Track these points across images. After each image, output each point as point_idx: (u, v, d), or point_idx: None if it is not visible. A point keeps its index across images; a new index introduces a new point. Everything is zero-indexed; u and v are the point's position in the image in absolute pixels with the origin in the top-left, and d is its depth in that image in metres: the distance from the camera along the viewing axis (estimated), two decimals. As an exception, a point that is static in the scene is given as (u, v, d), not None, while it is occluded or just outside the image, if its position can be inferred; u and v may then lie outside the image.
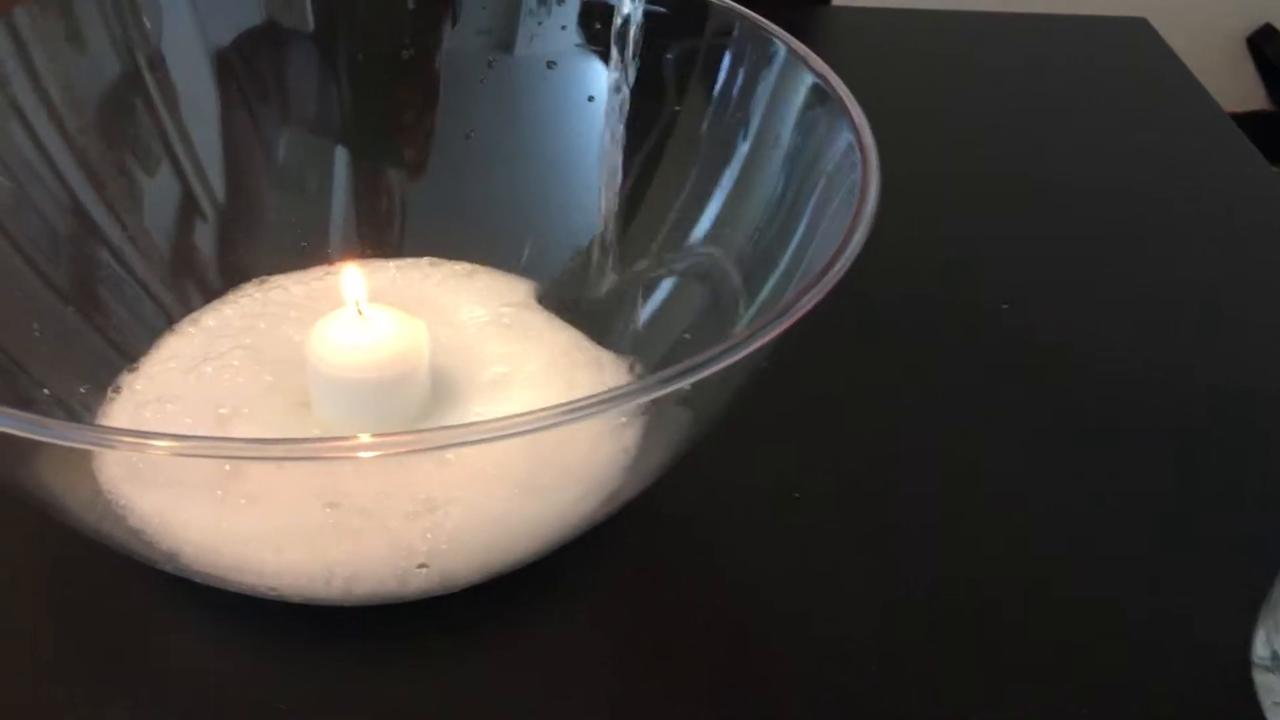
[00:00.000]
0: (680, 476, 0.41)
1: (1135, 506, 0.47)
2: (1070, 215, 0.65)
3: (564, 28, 0.51)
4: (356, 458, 0.33)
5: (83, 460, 0.39)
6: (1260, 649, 0.40)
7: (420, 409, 0.45)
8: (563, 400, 0.30)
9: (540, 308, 0.50)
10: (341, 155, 0.53)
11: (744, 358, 0.33)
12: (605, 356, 0.48)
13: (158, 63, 0.48)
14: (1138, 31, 0.85)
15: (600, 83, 0.52)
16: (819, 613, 0.42)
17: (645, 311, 0.49)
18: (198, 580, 0.38)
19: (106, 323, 0.46)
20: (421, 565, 0.38)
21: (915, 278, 0.59)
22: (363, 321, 0.43)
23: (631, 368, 0.47)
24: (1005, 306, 0.57)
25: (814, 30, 0.84)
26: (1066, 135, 0.73)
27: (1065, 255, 0.62)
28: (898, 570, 0.44)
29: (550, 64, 0.52)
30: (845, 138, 0.40)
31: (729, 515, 0.46)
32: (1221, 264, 0.62)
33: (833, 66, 0.43)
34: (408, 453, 0.33)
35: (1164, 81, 0.80)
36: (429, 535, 0.39)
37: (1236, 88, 1.89)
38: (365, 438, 0.30)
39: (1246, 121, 0.80)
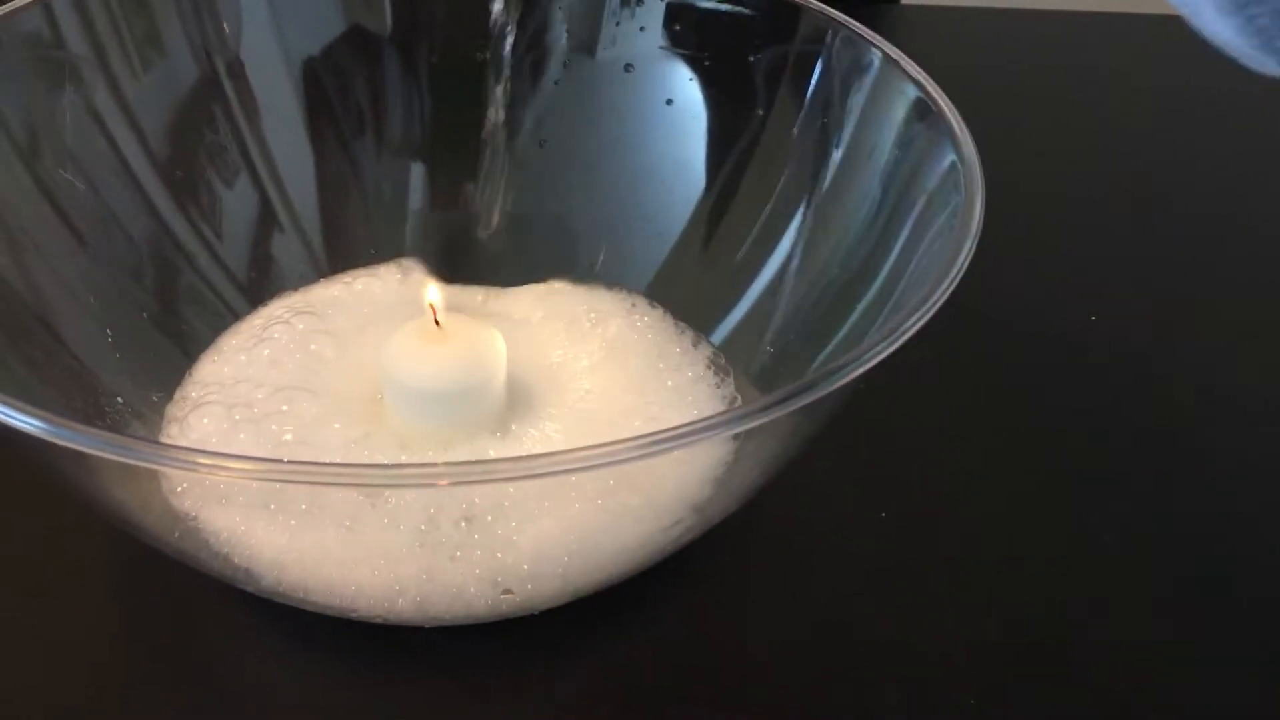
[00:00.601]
0: (767, 499, 0.40)
1: (1241, 535, 0.45)
2: (1168, 224, 0.63)
3: (643, 29, 0.50)
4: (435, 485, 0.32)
5: (154, 475, 0.38)
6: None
7: (497, 418, 0.44)
8: (645, 421, 0.29)
9: (623, 317, 0.49)
10: (419, 162, 0.52)
11: (840, 387, 0.31)
12: (689, 370, 0.47)
13: (237, 69, 0.47)
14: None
15: (680, 85, 0.50)
16: (910, 641, 0.41)
17: (729, 322, 0.47)
18: (272, 598, 0.37)
19: (180, 331, 0.46)
20: (506, 591, 0.37)
21: (1008, 294, 0.57)
22: (440, 331, 0.43)
23: (720, 379, 0.46)
24: (1093, 318, 0.55)
25: (883, 30, 0.82)
26: (1153, 140, 0.70)
27: (1156, 259, 0.59)
28: (989, 598, 0.42)
29: (628, 67, 0.51)
30: (949, 155, 0.38)
31: (817, 537, 0.44)
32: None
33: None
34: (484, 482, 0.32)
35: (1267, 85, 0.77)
36: (509, 557, 0.38)
37: None
38: (440, 467, 0.29)
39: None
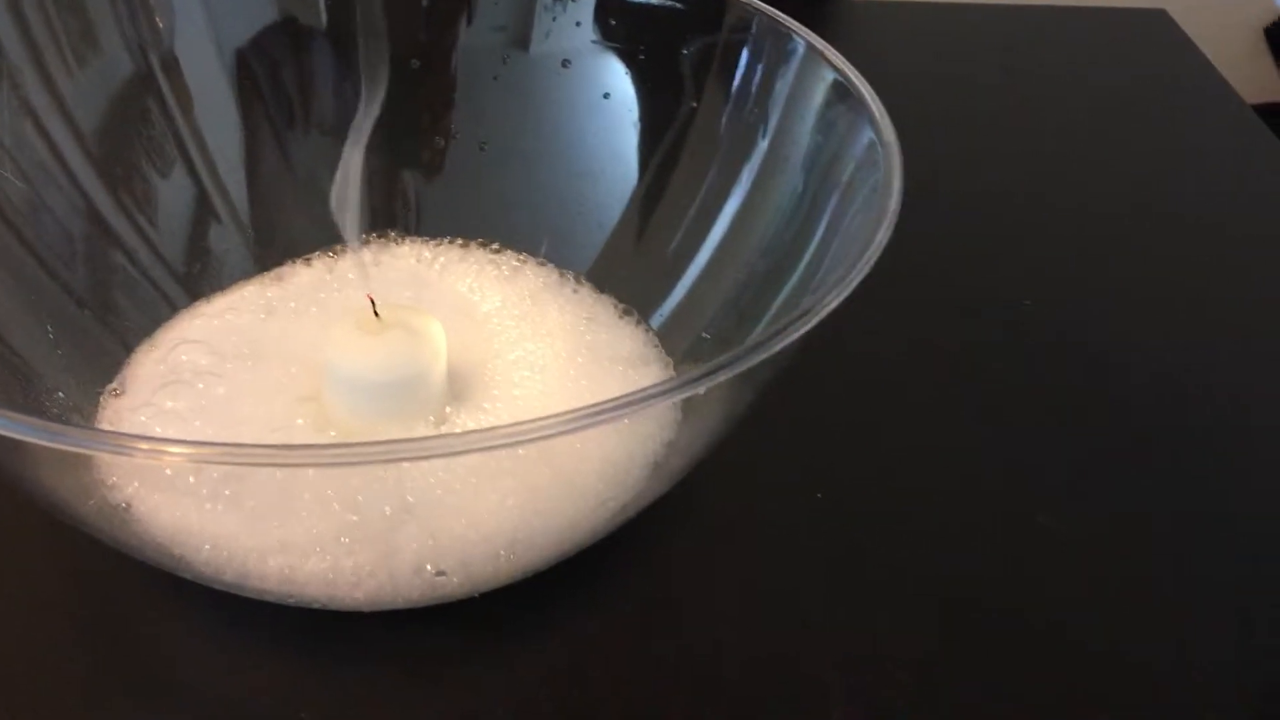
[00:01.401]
0: (702, 479, 0.41)
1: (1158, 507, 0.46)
2: (1090, 207, 0.64)
3: (579, 24, 0.51)
4: (367, 464, 0.33)
5: (91, 464, 0.38)
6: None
7: (437, 407, 0.44)
8: (584, 402, 0.30)
9: (563, 296, 0.49)
10: (356, 153, 0.52)
11: (766, 359, 0.32)
12: (631, 356, 0.47)
13: (171, 64, 0.48)
14: (1156, 22, 0.84)
15: (616, 79, 0.51)
16: (847, 616, 0.42)
17: (665, 309, 0.48)
18: (215, 586, 0.38)
19: (121, 325, 0.46)
20: (440, 573, 0.38)
21: (935, 276, 0.58)
22: (378, 322, 0.43)
23: (660, 359, 0.47)
24: (1027, 303, 0.57)
25: (829, 24, 0.83)
26: (1084, 127, 0.72)
27: (1084, 248, 0.61)
28: (924, 573, 0.43)
29: (565, 63, 0.52)
30: (866, 135, 0.39)
31: (752, 516, 0.45)
32: (1240, 253, 0.61)
33: (851, 60, 0.42)
34: (409, 460, 0.33)
35: (1183, 72, 0.79)
36: (445, 539, 0.38)
37: (1255, 78, 1.87)
38: (372, 444, 0.30)
39: (1265, 113, 0.79)
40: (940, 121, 0.71)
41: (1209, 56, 0.80)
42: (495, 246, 0.52)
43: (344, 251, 0.51)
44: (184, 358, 0.46)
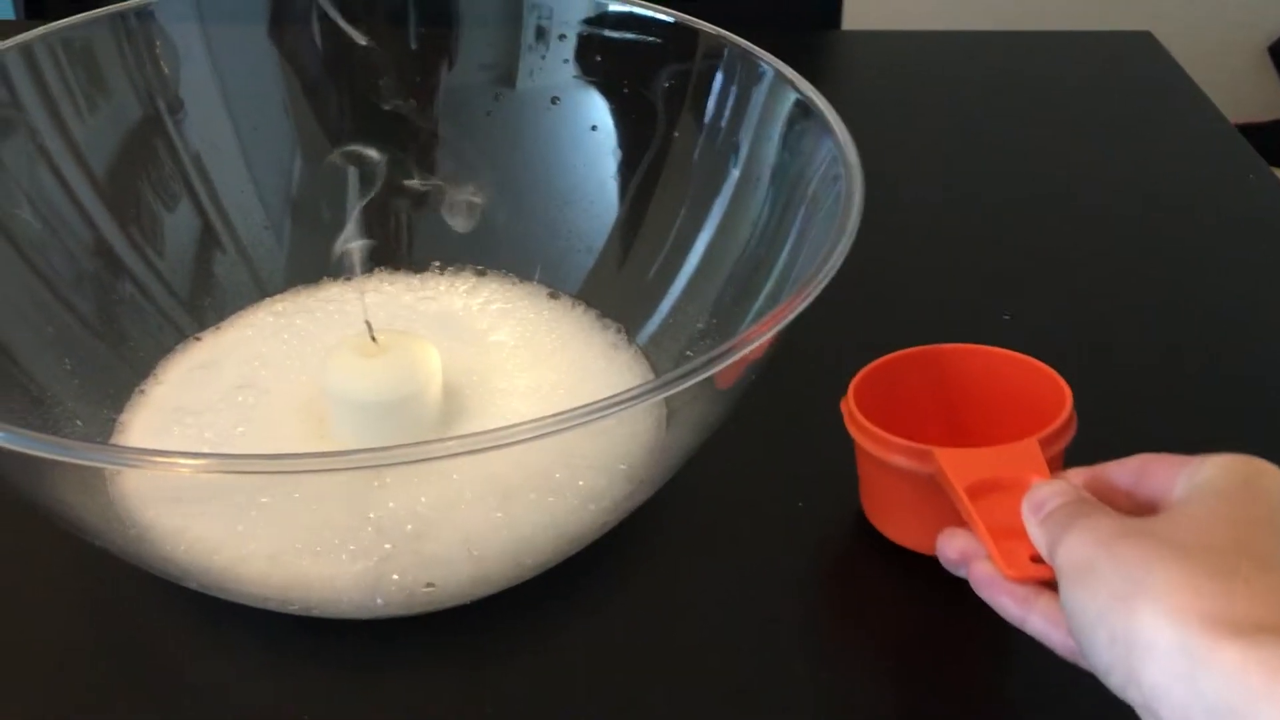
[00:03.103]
0: (684, 486, 0.43)
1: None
2: (1074, 225, 0.66)
3: (565, 61, 0.53)
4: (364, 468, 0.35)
5: (101, 480, 0.41)
6: None
7: (434, 425, 0.46)
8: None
9: (555, 319, 0.52)
10: (354, 187, 0.55)
11: (734, 364, 0.34)
12: (619, 373, 0.50)
13: (177, 106, 0.51)
14: (1142, 44, 0.86)
15: (601, 112, 0.54)
16: (820, 620, 0.43)
17: (651, 325, 0.50)
18: (220, 595, 0.40)
19: (132, 353, 0.49)
20: (430, 585, 0.40)
21: (920, 289, 0.60)
22: (376, 345, 0.45)
23: (645, 375, 0.49)
24: (1006, 317, 0.58)
25: (825, 53, 0.85)
26: (1072, 148, 0.74)
27: (1070, 265, 0.63)
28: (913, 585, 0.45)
29: (555, 99, 0.54)
30: (829, 152, 0.41)
31: (737, 527, 0.47)
32: (1222, 267, 0.62)
33: (840, 89, 0.45)
34: (397, 465, 0.35)
35: (1168, 92, 0.81)
36: (436, 548, 0.40)
37: (1259, 98, 1.88)
38: (365, 452, 0.32)
39: (1271, 130, 0.79)
40: (927, 144, 0.72)
41: (1210, 77, 0.82)
42: (485, 271, 0.54)
43: (343, 279, 0.54)
44: (191, 386, 0.48)
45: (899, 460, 0.41)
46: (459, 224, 0.53)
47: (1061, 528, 0.33)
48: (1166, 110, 0.78)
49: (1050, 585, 0.34)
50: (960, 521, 0.39)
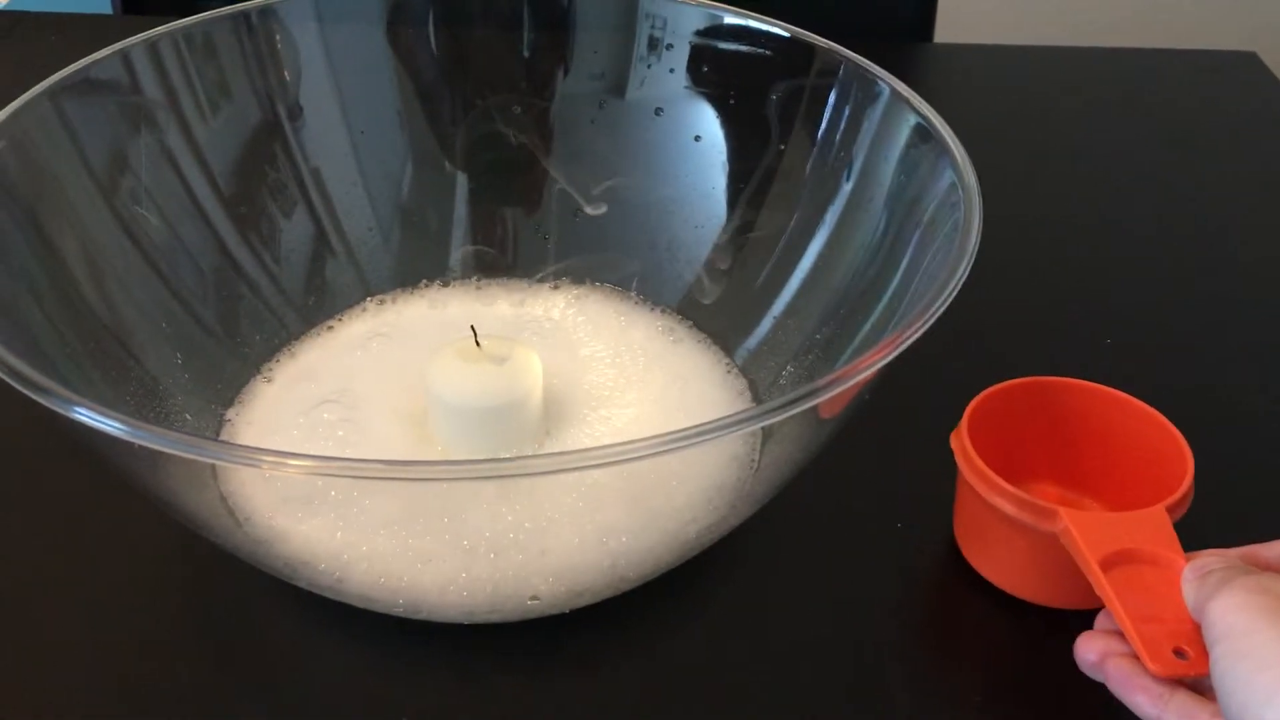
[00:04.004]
0: (786, 506, 0.43)
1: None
2: (1179, 248, 0.65)
3: (672, 71, 0.53)
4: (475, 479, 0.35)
5: (211, 475, 0.41)
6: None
7: (535, 434, 0.47)
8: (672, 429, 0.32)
9: (654, 333, 0.52)
10: (462, 193, 0.55)
11: (843, 391, 0.34)
12: (718, 389, 0.50)
13: (296, 112, 0.52)
14: (1245, 65, 0.84)
15: (706, 123, 0.54)
16: (908, 645, 0.43)
17: (751, 343, 0.50)
18: (328, 595, 0.40)
19: (243, 351, 0.49)
20: (534, 598, 0.40)
21: (1024, 314, 0.59)
22: (480, 352, 0.46)
23: (742, 392, 0.49)
24: (1108, 342, 0.57)
25: (917, 67, 0.85)
26: (1174, 168, 0.72)
27: (1170, 290, 0.61)
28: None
29: (658, 111, 0.54)
30: (948, 177, 0.41)
31: (836, 545, 0.46)
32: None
33: (935, 103, 0.44)
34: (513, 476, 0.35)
35: (1273, 114, 0.79)
36: (544, 557, 0.41)
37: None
38: (480, 463, 0.32)
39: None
40: (1021, 160, 0.72)
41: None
42: (585, 281, 0.54)
43: (449, 285, 0.54)
44: (297, 386, 0.49)
45: (1018, 515, 0.41)
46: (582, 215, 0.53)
47: (1219, 583, 0.32)
48: (1270, 131, 0.77)
49: (1187, 683, 0.34)
50: (1076, 584, 0.38)
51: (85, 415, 0.32)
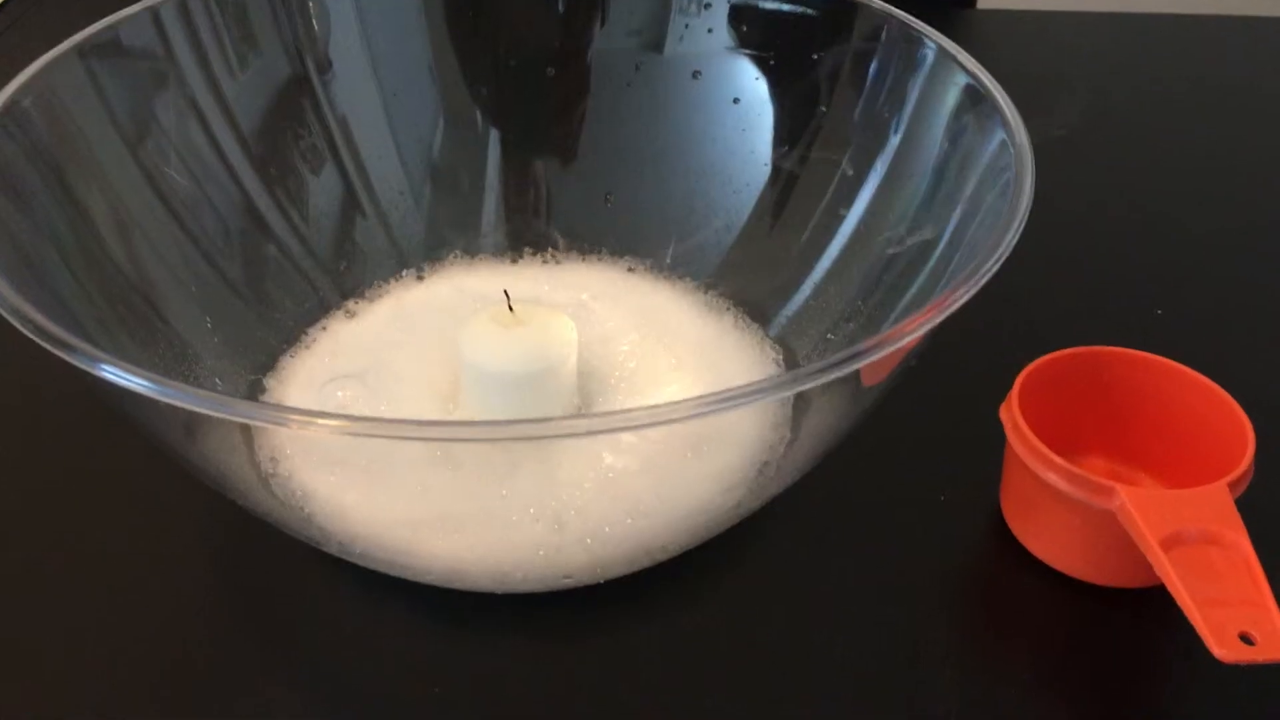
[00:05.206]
0: (824, 476, 0.41)
1: None
2: (1232, 219, 0.63)
3: (710, 31, 0.52)
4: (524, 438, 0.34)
5: (243, 437, 0.41)
6: None
7: (567, 404, 0.46)
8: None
9: (688, 305, 0.51)
10: (494, 155, 0.54)
11: (888, 355, 0.33)
12: (758, 357, 0.48)
13: (325, 66, 0.51)
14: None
15: (746, 84, 0.52)
16: (952, 620, 0.42)
17: (790, 309, 0.49)
18: (359, 562, 0.40)
19: (273, 316, 0.49)
20: (566, 576, 0.39)
21: (1074, 283, 0.58)
22: (513, 317, 0.45)
23: (777, 362, 0.48)
24: (1159, 312, 0.56)
25: (960, 33, 0.83)
26: (1230, 136, 0.70)
27: (1225, 258, 0.60)
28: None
29: (696, 74, 0.53)
30: (998, 137, 0.39)
31: (871, 520, 0.45)
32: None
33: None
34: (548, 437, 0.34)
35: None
36: (579, 524, 0.40)
37: None
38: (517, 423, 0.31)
39: None
40: (1071, 133, 0.70)
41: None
42: (619, 249, 0.53)
43: (477, 257, 0.53)
44: (325, 350, 0.48)
45: (1072, 491, 0.39)
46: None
47: None
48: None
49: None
50: (1129, 562, 0.37)
51: (111, 373, 0.31)
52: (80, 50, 0.43)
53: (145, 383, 0.30)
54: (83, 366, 0.31)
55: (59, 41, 0.43)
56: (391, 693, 0.39)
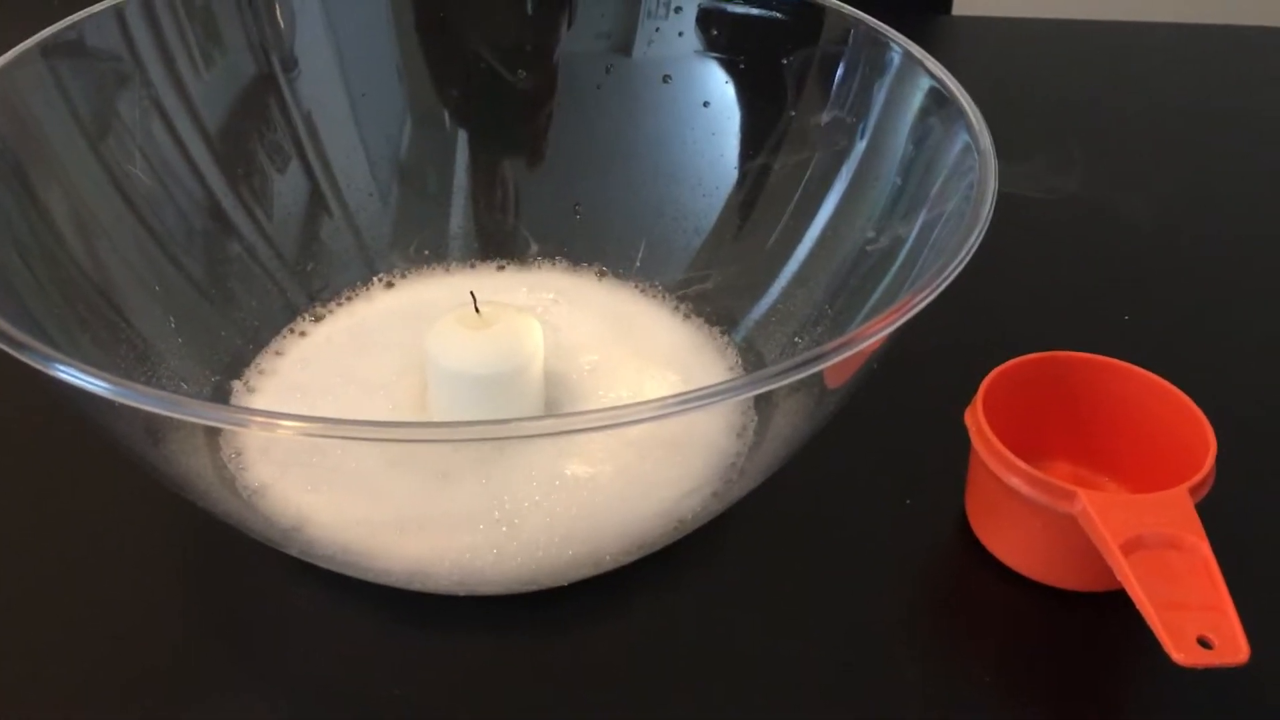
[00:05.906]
0: (790, 480, 0.41)
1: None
2: (1196, 225, 0.63)
3: (681, 34, 0.52)
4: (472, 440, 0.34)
5: (204, 440, 0.40)
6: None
7: (533, 406, 0.45)
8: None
9: (655, 312, 0.51)
10: (462, 156, 0.54)
11: (851, 357, 0.33)
12: (724, 363, 0.49)
13: (291, 64, 0.50)
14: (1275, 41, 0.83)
15: (716, 88, 0.52)
16: (917, 622, 0.42)
17: (757, 312, 0.49)
18: (321, 564, 0.40)
19: (237, 315, 0.48)
20: (529, 580, 0.39)
21: (1039, 289, 0.58)
22: (480, 319, 0.44)
23: (741, 366, 0.48)
24: (1126, 317, 0.56)
25: (935, 40, 0.83)
26: (1197, 143, 0.71)
27: (1189, 264, 0.60)
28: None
29: (666, 78, 0.53)
30: (962, 140, 0.39)
31: (844, 520, 0.45)
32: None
33: (953, 75, 0.43)
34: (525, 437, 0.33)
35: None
36: (541, 527, 0.40)
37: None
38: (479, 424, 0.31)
39: None
40: (1040, 140, 0.70)
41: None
42: (586, 253, 0.53)
43: (449, 252, 0.53)
44: (289, 352, 0.48)
45: (1035, 495, 0.39)
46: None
47: None
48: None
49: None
50: (1091, 565, 0.37)
51: (67, 373, 0.30)
52: (43, 49, 0.43)
53: (102, 384, 0.30)
54: (37, 366, 0.31)
55: (21, 40, 0.43)
56: (357, 692, 0.39)
